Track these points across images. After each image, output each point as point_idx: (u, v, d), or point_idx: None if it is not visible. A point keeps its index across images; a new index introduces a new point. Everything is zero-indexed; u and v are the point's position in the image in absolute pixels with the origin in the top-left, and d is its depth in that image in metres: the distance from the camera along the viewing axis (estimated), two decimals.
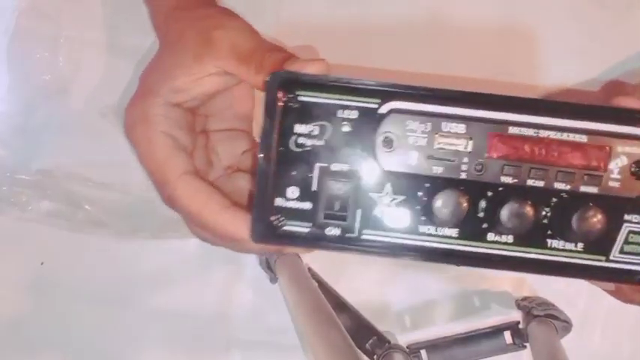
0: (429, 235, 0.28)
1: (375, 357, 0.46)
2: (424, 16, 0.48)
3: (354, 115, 0.27)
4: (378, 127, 0.27)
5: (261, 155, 0.28)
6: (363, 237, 0.28)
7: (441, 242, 0.28)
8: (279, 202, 0.28)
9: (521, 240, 0.27)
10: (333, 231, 0.28)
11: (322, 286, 0.48)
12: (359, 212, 0.28)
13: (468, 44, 0.48)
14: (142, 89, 0.31)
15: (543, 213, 0.27)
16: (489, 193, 0.27)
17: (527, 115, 0.27)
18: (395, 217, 0.28)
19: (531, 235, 0.27)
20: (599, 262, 0.27)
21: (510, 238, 0.27)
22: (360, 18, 0.48)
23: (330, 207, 0.28)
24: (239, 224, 0.29)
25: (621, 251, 0.27)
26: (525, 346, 0.48)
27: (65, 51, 0.47)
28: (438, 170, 0.27)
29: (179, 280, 0.50)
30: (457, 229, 0.28)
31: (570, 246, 0.27)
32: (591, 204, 0.26)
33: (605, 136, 0.27)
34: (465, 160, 0.27)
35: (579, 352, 0.49)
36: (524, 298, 0.50)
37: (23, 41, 0.46)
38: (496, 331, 0.49)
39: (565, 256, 0.28)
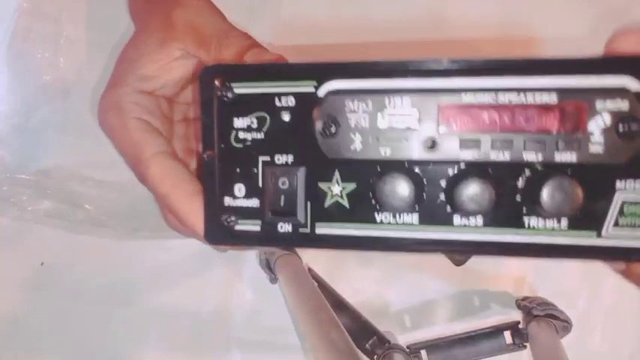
0: (388, 224, 0.25)
1: (375, 357, 0.45)
2: (424, 16, 0.48)
3: (291, 102, 0.25)
4: (316, 112, 0.25)
5: (204, 155, 0.26)
6: (317, 232, 0.26)
7: (401, 231, 0.25)
8: (227, 201, 0.27)
9: (492, 221, 0.24)
10: (284, 227, 0.26)
11: (322, 286, 0.48)
12: (309, 205, 0.26)
13: (468, 44, 0.48)
14: (111, 80, 0.31)
15: (514, 189, 0.24)
16: (449, 172, 0.24)
17: (482, 78, 0.23)
18: (348, 208, 0.25)
19: (503, 215, 0.24)
20: (589, 239, 0.24)
21: (480, 221, 0.24)
22: (360, 18, 0.48)
23: (276, 202, 0.26)
24: (200, 217, 0.27)
25: (616, 224, 0.23)
26: (525, 346, 0.48)
27: (65, 51, 0.47)
28: (386, 152, 0.25)
29: (179, 280, 0.50)
30: (417, 215, 0.25)
31: (552, 224, 0.24)
32: (570, 173, 0.23)
33: (580, 92, 0.23)
34: (415, 137, 0.24)
35: (579, 352, 0.49)
36: (524, 298, 0.50)
37: (23, 41, 0.46)
38: (496, 331, 0.49)
39: (548, 236, 0.24)
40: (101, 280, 0.49)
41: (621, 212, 0.23)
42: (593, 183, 0.23)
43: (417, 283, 0.51)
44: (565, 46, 0.47)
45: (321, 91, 0.25)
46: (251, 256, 0.50)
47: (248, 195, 0.26)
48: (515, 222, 0.24)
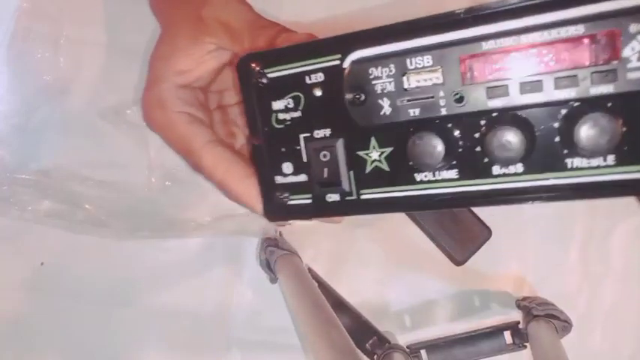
0: (428, 182, 0.25)
1: (375, 357, 0.45)
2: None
3: (320, 77, 0.26)
4: (344, 84, 0.26)
5: (252, 140, 0.28)
6: (363, 197, 0.27)
7: (442, 187, 0.25)
8: (279, 179, 0.28)
9: (533, 167, 0.23)
10: (332, 197, 0.27)
11: (322, 286, 0.48)
12: (352, 174, 0.27)
13: None
14: (150, 79, 0.32)
15: (552, 131, 0.23)
16: (481, 123, 0.24)
17: (499, 22, 0.22)
18: (389, 171, 0.26)
19: (544, 158, 0.23)
20: None
21: (520, 168, 0.23)
22: (361, 18, 0.48)
23: (321, 175, 0.27)
24: (256, 196, 0.30)
25: None
26: (525, 346, 0.48)
27: (65, 51, 0.47)
28: (415, 112, 0.25)
29: (179, 280, 0.50)
30: (456, 170, 0.25)
31: (597, 162, 0.22)
32: (609, 106, 0.21)
33: (609, 18, 0.21)
34: (441, 93, 0.24)
35: (579, 352, 0.49)
36: (524, 298, 0.50)
37: (23, 41, 0.46)
38: (496, 331, 0.49)
39: (594, 175, 0.22)
40: (101, 280, 0.49)
41: None
42: (637, 112, 0.21)
43: (417, 283, 0.51)
44: None
45: (346, 63, 0.26)
46: (251, 256, 0.50)
47: (296, 171, 0.28)
48: (557, 165, 0.23)
